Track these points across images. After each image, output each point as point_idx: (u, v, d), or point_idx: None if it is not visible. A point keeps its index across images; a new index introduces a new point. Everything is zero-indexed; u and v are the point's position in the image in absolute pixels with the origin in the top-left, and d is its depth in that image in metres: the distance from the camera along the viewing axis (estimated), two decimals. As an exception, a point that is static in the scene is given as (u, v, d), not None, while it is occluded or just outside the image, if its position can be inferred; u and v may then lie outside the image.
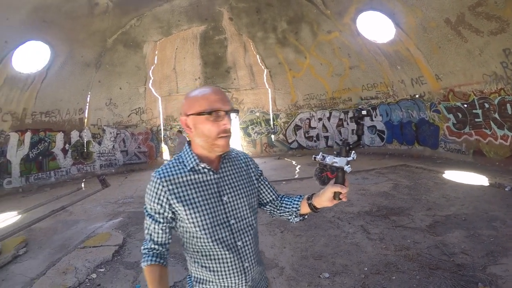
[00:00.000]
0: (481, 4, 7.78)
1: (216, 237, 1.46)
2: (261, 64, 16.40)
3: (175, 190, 1.44)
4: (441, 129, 11.34)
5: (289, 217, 1.75)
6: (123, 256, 5.14)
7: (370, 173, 10.12)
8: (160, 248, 1.48)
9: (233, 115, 16.15)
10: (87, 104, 14.55)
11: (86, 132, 14.75)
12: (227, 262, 1.49)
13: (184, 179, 1.47)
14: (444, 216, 5.70)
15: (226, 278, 1.50)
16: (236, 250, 1.50)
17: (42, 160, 12.96)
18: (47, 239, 6.19)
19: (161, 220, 1.45)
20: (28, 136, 12.35)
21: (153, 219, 1.45)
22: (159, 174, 1.46)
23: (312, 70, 15.71)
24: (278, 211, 1.78)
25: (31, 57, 11.86)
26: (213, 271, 1.50)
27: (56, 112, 13.34)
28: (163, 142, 16.76)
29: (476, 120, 9.80)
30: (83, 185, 12.21)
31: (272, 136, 17.34)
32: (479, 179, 7.95)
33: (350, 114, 15.67)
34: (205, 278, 1.53)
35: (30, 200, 10.08)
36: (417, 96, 11.95)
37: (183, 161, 1.52)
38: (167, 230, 1.48)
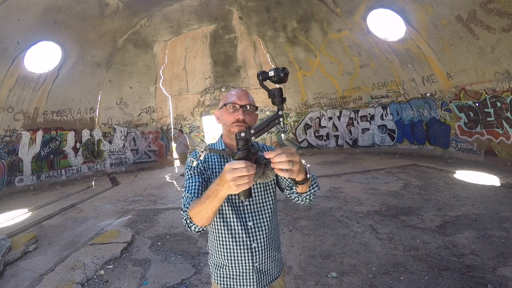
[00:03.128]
0: (492, 1, 7.67)
1: (229, 214, 1.69)
2: (271, 63, 16.35)
3: (206, 161, 1.77)
4: (452, 129, 11.16)
5: (295, 198, 1.80)
6: (131, 253, 5.18)
7: (380, 173, 10.03)
8: (196, 197, 1.59)
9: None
10: (98, 103, 14.74)
11: (97, 131, 14.94)
12: (236, 238, 1.69)
13: (211, 159, 1.78)
14: (454, 216, 5.61)
15: (232, 253, 1.71)
16: (246, 229, 1.69)
17: (53, 158, 13.17)
18: (56, 236, 6.29)
19: (197, 178, 1.67)
20: (39, 135, 12.57)
21: (191, 180, 1.67)
22: (195, 152, 1.67)
23: (322, 68, 15.62)
24: (292, 196, 1.84)
25: (43, 57, 12.06)
26: (225, 245, 1.72)
27: (68, 111, 13.55)
28: (173, 141, 16.84)
29: (488, 119, 9.64)
30: (93, 183, 12.36)
31: (282, 135, 17.28)
32: (490, 179, 7.82)
33: (361, 113, 15.54)
34: (220, 261, 1.76)
35: (41, 197, 10.25)
36: (428, 94, 11.80)
37: (214, 147, 1.83)
38: (202, 186, 1.65)
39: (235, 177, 1.19)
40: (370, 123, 15.26)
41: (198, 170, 1.71)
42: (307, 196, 1.71)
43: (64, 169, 13.53)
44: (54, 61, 12.15)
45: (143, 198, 9.29)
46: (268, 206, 1.77)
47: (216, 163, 1.76)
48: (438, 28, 9.48)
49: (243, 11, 14.20)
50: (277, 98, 1.35)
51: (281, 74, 1.32)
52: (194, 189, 1.61)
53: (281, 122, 1.37)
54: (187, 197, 1.59)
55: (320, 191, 7.94)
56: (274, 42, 15.53)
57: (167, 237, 5.84)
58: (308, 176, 1.53)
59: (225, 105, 1.73)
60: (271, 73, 1.34)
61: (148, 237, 5.87)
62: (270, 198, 1.80)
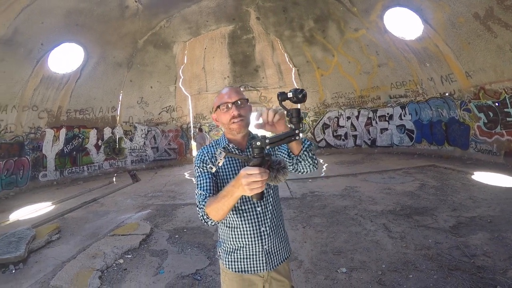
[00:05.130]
0: (509, -2, 7.55)
1: (240, 201, 1.82)
2: (289, 63, 16.41)
3: (213, 157, 1.87)
4: (472, 129, 10.91)
5: (298, 166, 1.91)
6: (149, 245, 5.38)
7: (397, 173, 9.94)
8: (210, 194, 1.74)
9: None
10: (119, 102, 15.16)
11: (118, 129, 15.37)
12: (246, 224, 1.84)
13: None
14: (468, 217, 5.51)
15: (244, 237, 1.85)
16: (255, 215, 1.85)
17: (76, 155, 13.67)
18: (78, 227, 6.56)
19: (208, 175, 1.81)
20: (63, 132, 13.09)
21: (202, 177, 1.81)
22: (202, 149, 1.94)
23: (340, 68, 15.56)
24: (295, 164, 1.91)
25: (66, 58, 12.50)
26: (236, 230, 1.86)
27: (90, 110, 14.01)
28: (192, 140, 17.05)
29: (508, 119, 9.41)
30: (114, 179, 12.72)
31: (300, 135, 17.16)
32: (509, 181, 7.64)
33: (379, 113, 15.41)
34: (232, 246, 1.90)
35: (64, 192, 10.62)
36: (447, 94, 11.60)
37: (218, 143, 1.96)
38: (213, 182, 1.80)
39: (249, 182, 1.35)
40: (389, 123, 15.10)
41: (208, 166, 1.83)
42: (306, 154, 1.83)
43: (86, 166, 14.00)
44: (76, 61, 12.61)
45: (163, 194, 9.52)
46: (271, 192, 1.93)
47: (225, 160, 1.88)
48: (455, 26, 9.35)
49: (260, 11, 14.30)
50: (295, 118, 1.47)
51: (299, 96, 1.43)
52: (206, 185, 1.76)
53: (297, 139, 1.51)
54: (201, 194, 1.73)
55: (336, 190, 8.06)
56: (292, 42, 15.57)
57: (184, 230, 6.01)
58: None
59: (218, 107, 1.87)
60: (290, 94, 1.45)
61: (166, 230, 6.06)
62: (275, 186, 1.97)
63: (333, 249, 4.67)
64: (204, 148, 1.95)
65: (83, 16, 11.14)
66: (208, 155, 1.87)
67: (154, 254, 4.98)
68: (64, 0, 10.13)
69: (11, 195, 10.59)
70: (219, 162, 1.60)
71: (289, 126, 1.56)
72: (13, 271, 4.63)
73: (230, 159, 1.89)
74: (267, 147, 1.45)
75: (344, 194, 7.79)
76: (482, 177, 8.34)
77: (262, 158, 1.43)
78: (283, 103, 1.53)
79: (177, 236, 5.75)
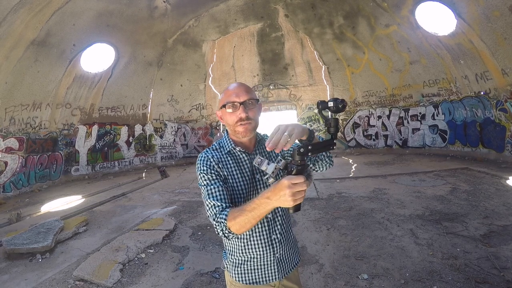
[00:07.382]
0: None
1: None
2: (319, 61, 16.17)
3: (220, 162, 1.70)
4: (508, 130, 10.30)
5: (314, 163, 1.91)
6: (172, 240, 5.47)
7: (428, 175, 9.58)
8: (226, 205, 1.55)
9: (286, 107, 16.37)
10: (150, 100, 15.54)
11: (149, 126, 15.78)
12: (256, 233, 1.71)
13: (223, 158, 1.73)
14: (501, 226, 5.21)
15: (254, 248, 1.72)
16: (265, 223, 1.72)
17: (108, 151, 14.20)
18: (105, 221, 6.79)
19: (219, 183, 1.62)
20: (95, 129, 13.65)
21: (213, 185, 1.61)
22: (205, 153, 1.73)
23: (371, 65, 15.19)
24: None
25: (98, 58, 13.05)
26: (245, 241, 1.72)
27: (121, 108, 14.50)
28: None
29: (547, 120, 8.88)
30: (144, 175, 13.03)
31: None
32: (546, 188, 7.22)
33: (411, 112, 14.93)
34: (241, 258, 1.76)
35: (95, 186, 11.04)
36: (482, 93, 11.03)
37: (222, 146, 1.79)
38: (226, 191, 1.62)
39: (295, 192, 1.23)
40: (421, 123, 14.57)
41: (216, 173, 1.66)
42: (324, 155, 1.85)
43: (117, 161, 14.51)
44: (108, 61, 13.12)
45: (189, 190, 9.64)
46: None
47: (231, 163, 1.73)
48: (490, 21, 8.90)
49: (289, 8, 14.21)
50: (333, 128, 1.46)
51: (340, 106, 1.40)
52: (220, 195, 1.57)
53: (334, 149, 1.48)
54: (215, 205, 1.54)
55: (364, 191, 7.88)
56: (321, 39, 15.33)
57: (208, 227, 6.05)
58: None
59: (224, 106, 1.68)
60: (330, 104, 1.42)
61: (189, 227, 6.15)
62: None
63: (356, 254, 4.56)
64: (207, 151, 1.75)
65: (113, 17, 11.52)
66: (214, 160, 1.68)
67: (175, 250, 5.06)
68: (95, 2, 10.50)
69: (44, 188, 11.13)
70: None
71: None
72: (40, 260, 4.84)
73: (238, 164, 1.73)
74: (309, 154, 1.37)
75: (372, 196, 7.59)
76: (517, 182, 7.89)
77: (303, 166, 1.33)
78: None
79: (200, 233, 5.81)
